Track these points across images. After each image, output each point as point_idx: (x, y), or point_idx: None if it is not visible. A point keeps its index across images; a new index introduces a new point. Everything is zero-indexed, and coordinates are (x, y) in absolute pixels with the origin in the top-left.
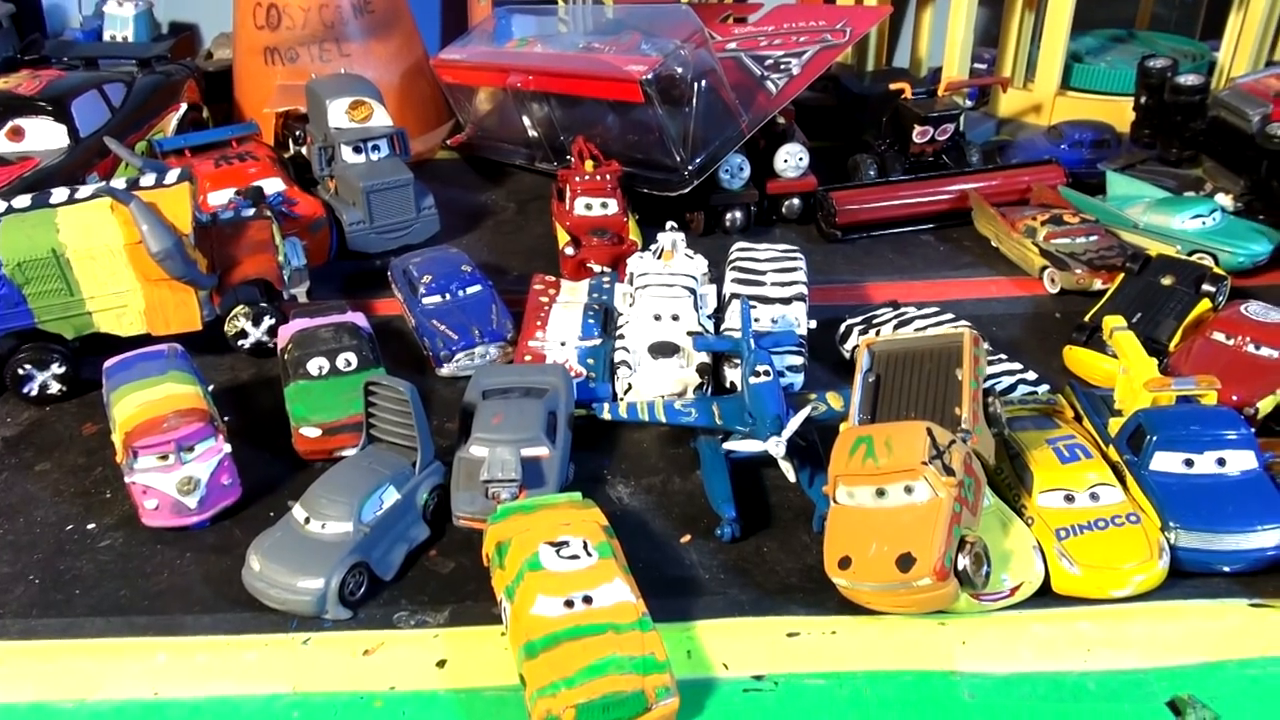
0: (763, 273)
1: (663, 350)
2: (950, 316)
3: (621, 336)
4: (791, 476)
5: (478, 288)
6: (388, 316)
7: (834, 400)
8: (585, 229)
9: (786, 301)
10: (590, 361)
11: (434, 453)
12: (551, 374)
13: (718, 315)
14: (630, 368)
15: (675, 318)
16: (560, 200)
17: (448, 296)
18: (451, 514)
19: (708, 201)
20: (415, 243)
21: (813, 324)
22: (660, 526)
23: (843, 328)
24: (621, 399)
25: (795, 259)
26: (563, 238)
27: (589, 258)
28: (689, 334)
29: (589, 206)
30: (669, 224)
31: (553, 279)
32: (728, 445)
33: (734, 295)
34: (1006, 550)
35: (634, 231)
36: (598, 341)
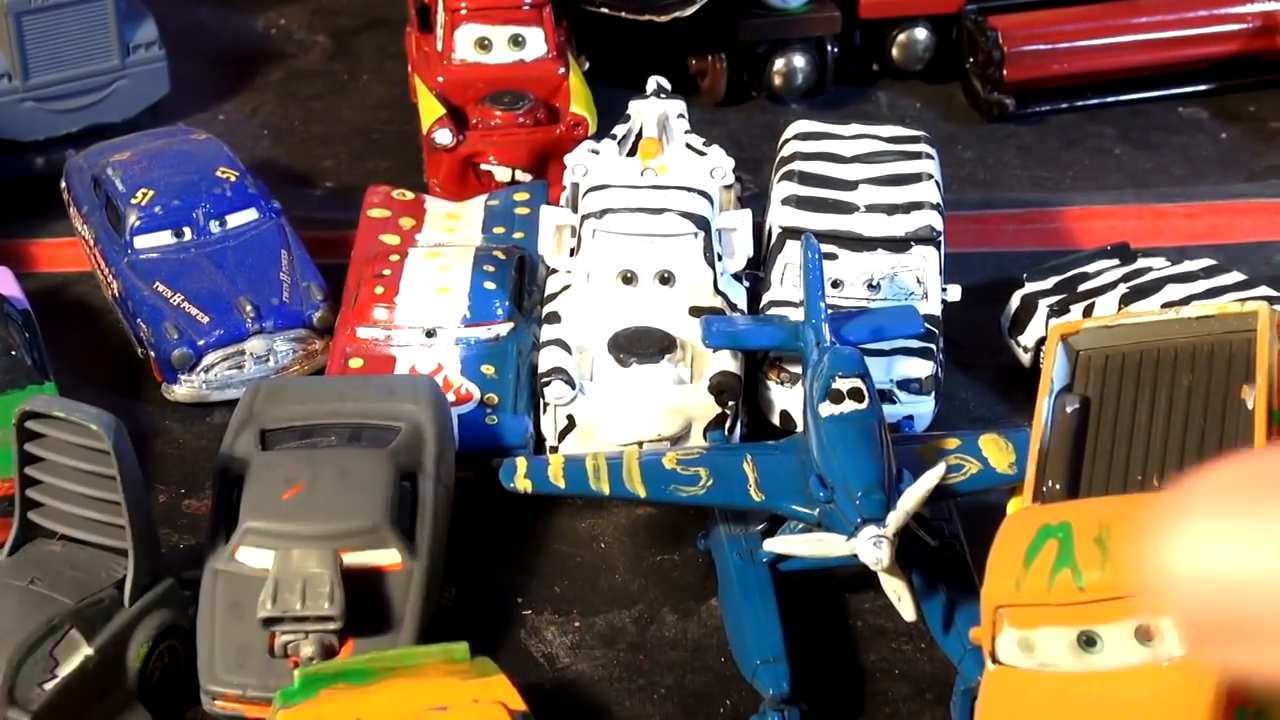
0: (851, 185)
1: (641, 347)
2: (1237, 278)
3: (555, 319)
4: (908, 612)
5: (251, 215)
6: (64, 275)
7: (994, 451)
8: (476, 91)
9: (899, 245)
10: (489, 371)
11: (160, 560)
12: (406, 397)
13: (754, 273)
14: (572, 384)
15: (666, 279)
16: (423, 30)
17: (188, 234)
18: (200, 688)
19: (735, 35)
20: (119, 120)
21: (953, 292)
22: (635, 712)
23: (1016, 301)
24: (554, 448)
25: (917, 156)
26: (430, 109)
27: (484, 153)
28: (695, 313)
29: (485, 44)
30: (654, 81)
31: (410, 196)
32: (774, 545)
33: (789, 231)
34: None
35: (581, 99)
36: (505, 329)
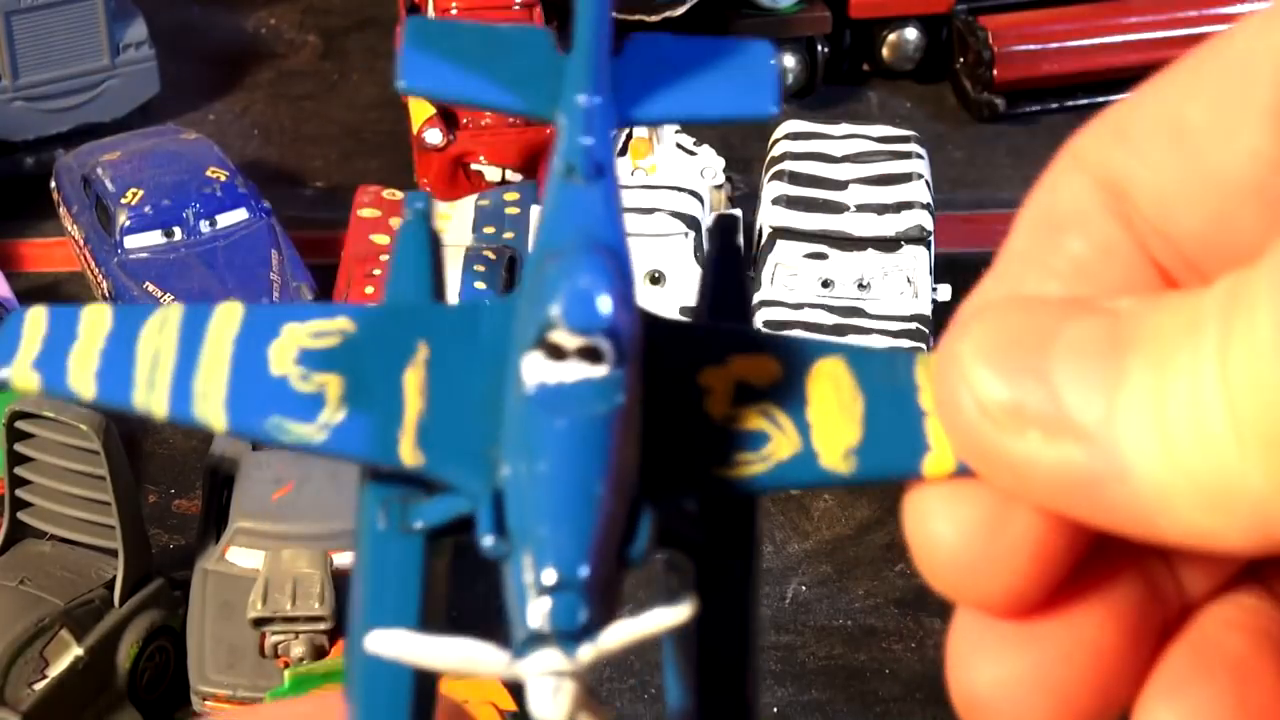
0: (842, 184)
1: None
2: None
3: None
4: None
5: (241, 215)
6: (54, 275)
7: (828, 412)
8: None
9: (890, 244)
10: None
11: (150, 561)
12: None
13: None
14: None
15: (656, 279)
16: None
17: (178, 234)
18: (190, 689)
19: (725, 35)
20: (109, 120)
21: (944, 292)
22: (626, 712)
23: None
24: None
25: (908, 156)
26: (420, 109)
27: (474, 152)
28: (685, 313)
29: None
30: None
31: (400, 196)
32: (375, 644)
33: (779, 231)
34: None
35: None
36: None
